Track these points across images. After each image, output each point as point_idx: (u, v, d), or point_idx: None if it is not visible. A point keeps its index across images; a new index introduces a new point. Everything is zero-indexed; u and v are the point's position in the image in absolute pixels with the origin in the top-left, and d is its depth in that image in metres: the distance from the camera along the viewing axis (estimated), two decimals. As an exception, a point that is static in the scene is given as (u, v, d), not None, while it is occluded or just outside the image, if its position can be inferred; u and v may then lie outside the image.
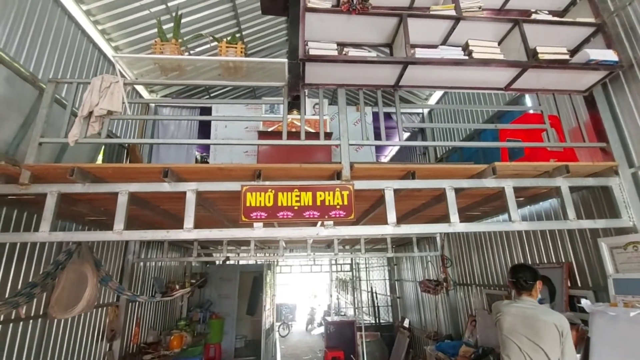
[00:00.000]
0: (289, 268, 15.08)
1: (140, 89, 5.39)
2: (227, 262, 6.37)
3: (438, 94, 5.97)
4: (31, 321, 3.30)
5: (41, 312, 3.41)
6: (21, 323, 3.18)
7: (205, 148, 6.63)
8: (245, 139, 5.33)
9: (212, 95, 6.56)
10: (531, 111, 3.47)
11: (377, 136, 6.15)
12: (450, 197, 2.52)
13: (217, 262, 9.70)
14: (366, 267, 11.30)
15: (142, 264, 5.57)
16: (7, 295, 2.95)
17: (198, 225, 2.38)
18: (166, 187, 2.36)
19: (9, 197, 2.72)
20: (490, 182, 2.58)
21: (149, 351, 5.22)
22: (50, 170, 2.27)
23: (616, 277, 2.82)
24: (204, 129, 5.91)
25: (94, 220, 3.98)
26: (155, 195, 2.96)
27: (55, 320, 3.61)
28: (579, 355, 2.44)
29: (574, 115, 3.16)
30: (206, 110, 5.85)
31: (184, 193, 2.39)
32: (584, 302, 2.83)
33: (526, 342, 2.39)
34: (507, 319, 2.51)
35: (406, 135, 7.13)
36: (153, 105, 5.65)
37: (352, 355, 6.87)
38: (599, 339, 2.69)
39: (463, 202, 3.53)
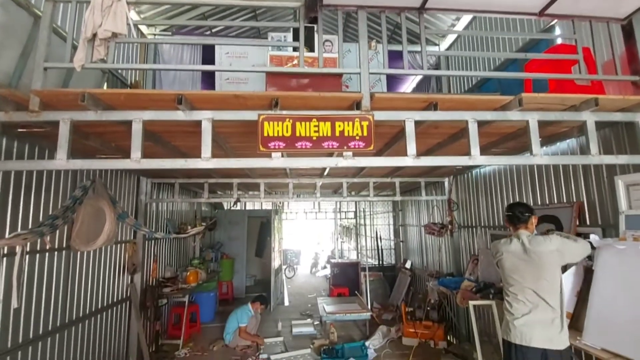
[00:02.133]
0: (295, 215, 15.52)
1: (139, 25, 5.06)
2: (236, 206, 6.51)
3: (454, 35, 5.59)
4: (56, 252, 3.46)
5: (64, 245, 3.55)
6: (47, 254, 3.33)
7: (209, 87, 6.42)
8: (251, 78, 5.13)
9: (214, 34, 6.17)
10: (559, 40, 3.24)
11: (388, 78, 5.93)
12: (473, 129, 2.45)
13: (225, 207, 9.96)
14: (371, 214, 11.58)
15: (154, 205, 5.70)
16: (30, 227, 3.05)
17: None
18: (180, 115, 2.28)
19: (20, 129, 2.67)
20: (514, 115, 2.48)
21: (168, 284, 5.55)
22: (60, 96, 2.18)
23: (629, 214, 2.84)
24: (208, 74, 5.67)
25: (106, 159, 3.97)
26: (167, 129, 2.90)
27: (79, 253, 3.78)
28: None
29: (610, 47, 2.94)
30: (209, 50, 5.54)
31: (199, 123, 2.33)
32: (592, 237, 2.87)
33: (529, 277, 2.47)
34: (508, 259, 2.57)
35: (419, 77, 6.82)
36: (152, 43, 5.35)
37: (356, 291, 7.31)
38: (603, 271, 2.76)
39: (480, 141, 3.45)
